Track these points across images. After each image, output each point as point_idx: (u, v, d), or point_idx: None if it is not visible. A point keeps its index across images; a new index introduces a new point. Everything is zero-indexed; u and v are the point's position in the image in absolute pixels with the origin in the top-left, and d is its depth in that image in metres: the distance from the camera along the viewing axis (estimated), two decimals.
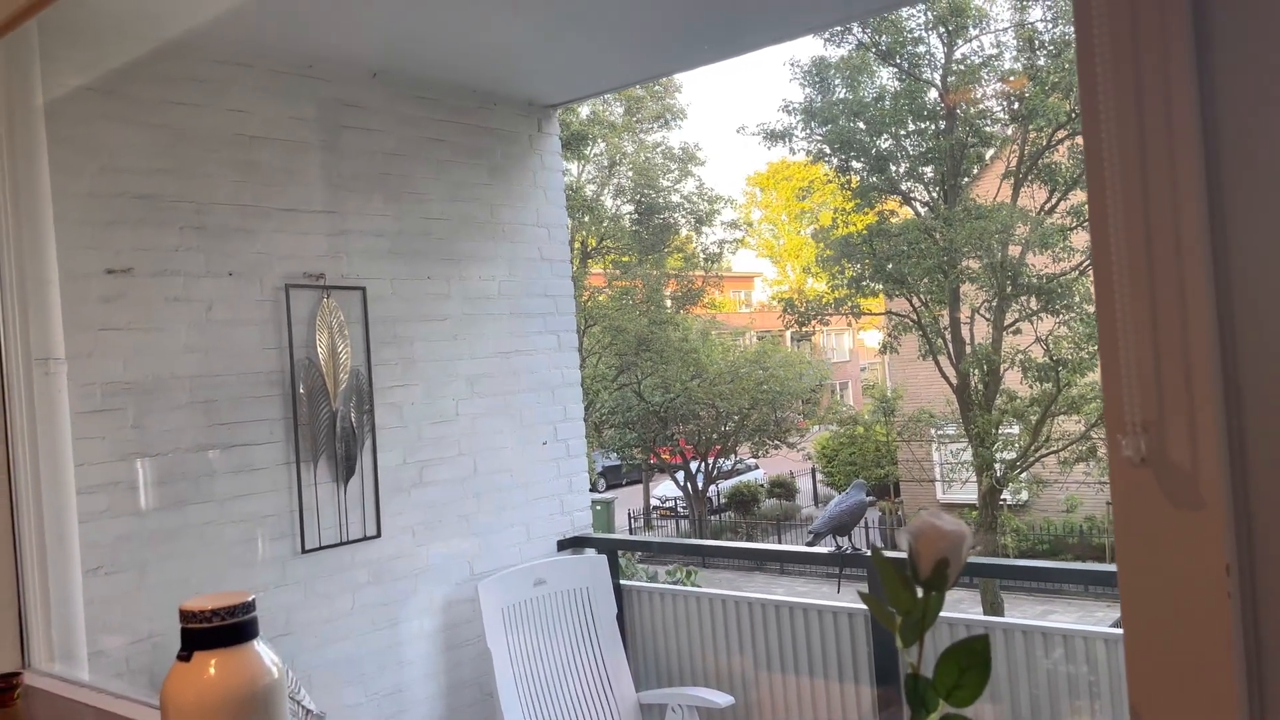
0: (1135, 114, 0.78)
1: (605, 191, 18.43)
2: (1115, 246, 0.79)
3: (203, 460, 3.05)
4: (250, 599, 1.31)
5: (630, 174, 18.48)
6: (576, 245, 17.08)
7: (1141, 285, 0.78)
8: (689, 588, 5.21)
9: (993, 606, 12.50)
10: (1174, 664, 0.78)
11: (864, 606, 3.47)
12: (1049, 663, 3.05)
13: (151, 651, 2.82)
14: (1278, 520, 0.76)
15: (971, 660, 0.80)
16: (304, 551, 3.29)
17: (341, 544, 3.39)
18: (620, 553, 4.37)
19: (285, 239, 3.33)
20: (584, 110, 16.82)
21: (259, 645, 1.32)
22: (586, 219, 17.61)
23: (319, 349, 3.36)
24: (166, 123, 3.06)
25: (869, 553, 3.66)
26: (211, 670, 1.27)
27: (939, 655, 0.81)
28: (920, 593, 0.80)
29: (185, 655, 1.26)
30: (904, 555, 0.83)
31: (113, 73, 2.91)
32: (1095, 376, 13.35)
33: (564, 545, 4.13)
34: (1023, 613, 12.40)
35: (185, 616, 1.26)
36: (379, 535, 3.49)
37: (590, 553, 4.12)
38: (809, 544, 3.77)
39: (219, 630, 1.28)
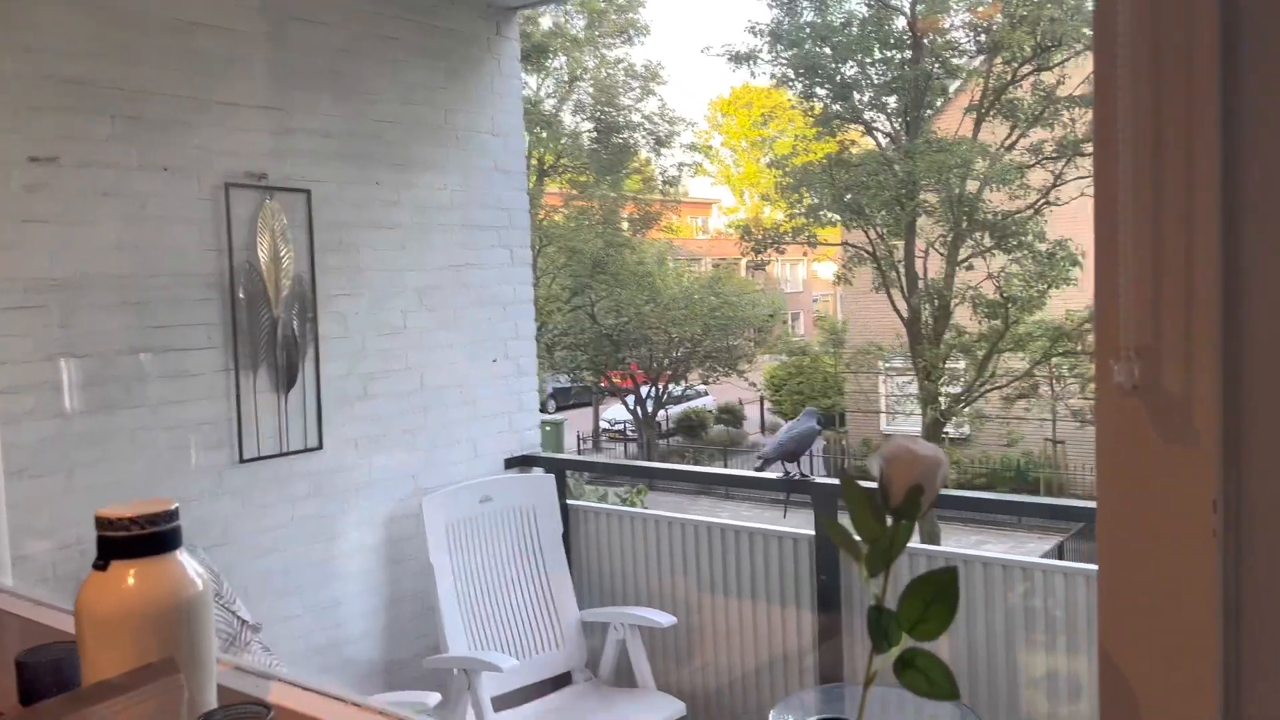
0: (1152, 22, 0.71)
1: (564, 108, 18.05)
2: (1122, 156, 0.72)
3: (134, 363, 2.92)
4: (173, 507, 1.23)
5: (590, 90, 18.09)
6: (533, 162, 16.74)
7: (1146, 197, 0.72)
8: (635, 509, 5.20)
9: (930, 535, 12.81)
10: (1150, 603, 0.74)
11: (810, 532, 3.49)
12: (1015, 598, 3.09)
13: (79, 558, 2.73)
14: (1267, 456, 0.72)
15: (938, 593, 0.76)
16: (242, 461, 3.19)
17: (281, 454, 3.30)
18: (568, 473, 4.34)
19: (226, 135, 3.16)
20: (545, 21, 16.35)
21: (182, 556, 1.25)
22: (544, 135, 17.25)
23: (260, 252, 3.22)
24: (99, 2, 2.85)
25: (818, 479, 3.66)
26: (130, 580, 1.19)
27: (904, 587, 0.76)
28: (890, 521, 0.75)
29: (102, 564, 1.18)
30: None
31: None
32: (1042, 315, 13.53)
33: (511, 464, 4.08)
34: (958, 542, 12.73)
35: (102, 524, 1.18)
36: (320, 447, 3.40)
37: (538, 472, 4.08)
38: (758, 469, 3.76)
39: (139, 539, 1.20)
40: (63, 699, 0.96)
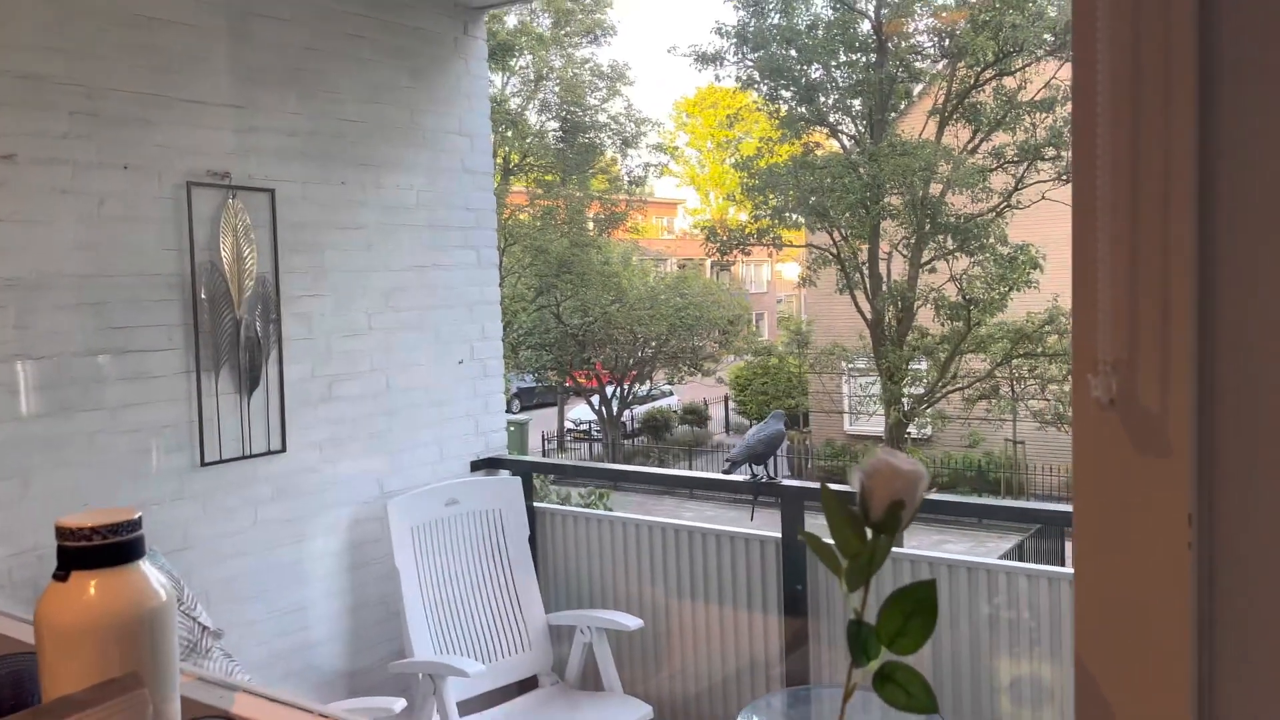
0: (1131, 39, 0.72)
1: (530, 106, 17.99)
2: (1100, 175, 0.72)
3: (92, 365, 2.86)
4: (136, 516, 1.20)
5: (557, 90, 18.04)
6: (499, 161, 16.67)
7: (1123, 215, 0.72)
8: (602, 511, 5.19)
9: None
10: (1126, 614, 0.75)
11: (776, 535, 3.50)
12: (990, 608, 3.12)
13: (36, 564, 2.67)
14: (1241, 470, 0.73)
15: (917, 607, 0.76)
16: (203, 464, 3.14)
17: (244, 458, 3.25)
18: (534, 475, 4.32)
19: (188, 132, 3.10)
20: (510, 20, 16.28)
21: (145, 566, 1.22)
22: (510, 134, 17.19)
23: (223, 252, 3.17)
24: None
25: (785, 482, 3.67)
26: (91, 592, 1.16)
27: (882, 601, 0.76)
28: (870, 535, 0.75)
29: (62, 575, 1.15)
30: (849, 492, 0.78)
31: None
32: (1004, 317, 13.70)
33: (478, 466, 4.06)
34: (919, 541, 12.85)
35: (62, 534, 1.15)
36: (284, 450, 3.36)
37: (504, 474, 4.06)
38: (725, 471, 3.77)
39: (100, 549, 1.17)
40: (25, 715, 0.94)
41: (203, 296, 3.12)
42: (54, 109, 2.78)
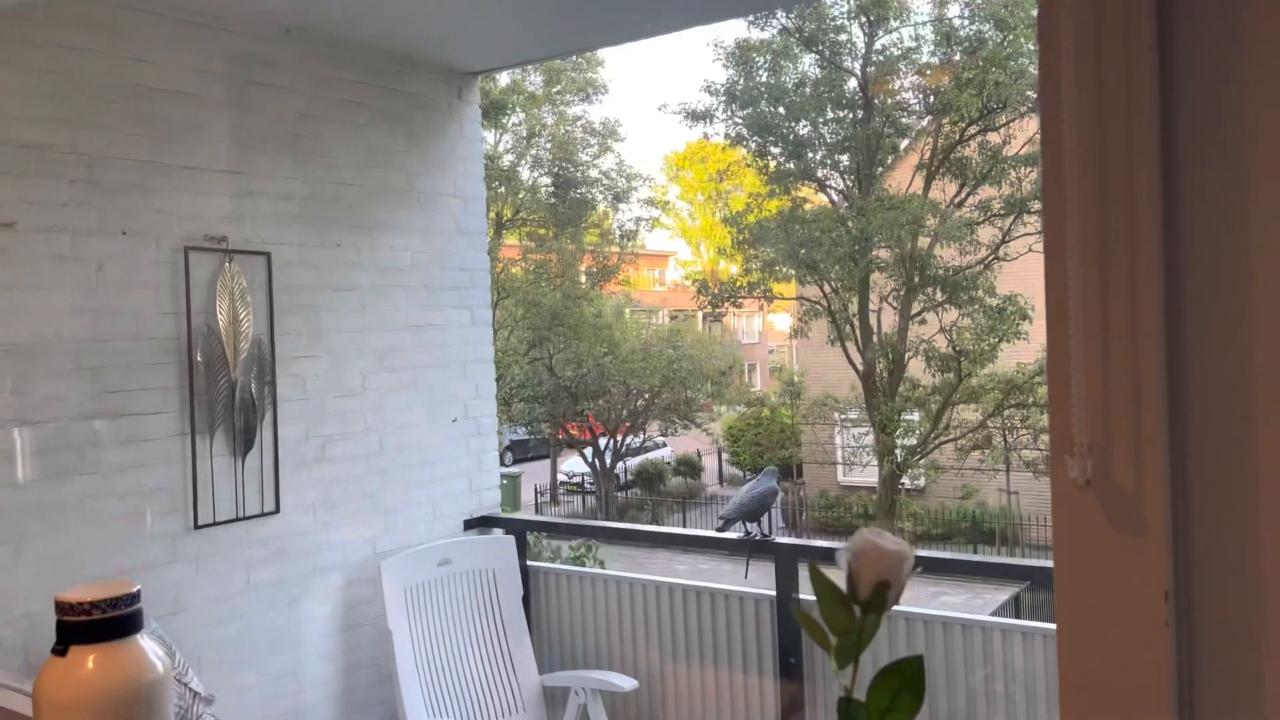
0: (1096, 131, 0.76)
1: (523, 162, 18.19)
2: (1072, 269, 0.76)
3: (88, 429, 2.87)
4: (135, 589, 1.22)
5: (549, 146, 18.27)
6: (491, 215, 16.81)
7: (1095, 307, 0.76)
8: (596, 570, 5.18)
9: None
10: (1109, 690, 0.77)
11: (771, 593, 3.49)
12: (944, 648, 3.11)
13: (27, 631, 2.65)
14: (1215, 547, 0.75)
15: (905, 683, 0.78)
16: (197, 527, 3.14)
17: (237, 520, 3.25)
18: (528, 533, 4.31)
19: (186, 198, 3.15)
20: (503, 78, 16.54)
21: (143, 639, 1.23)
22: (502, 189, 17.35)
23: (219, 315, 3.20)
24: (59, 68, 2.85)
25: (778, 539, 3.68)
26: (90, 666, 1.17)
27: (873, 677, 0.78)
28: (858, 613, 0.77)
29: (61, 650, 1.17)
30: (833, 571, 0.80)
31: (0, 12, 2.69)
32: (994, 368, 13.77)
33: (471, 525, 4.05)
34: (916, 593, 12.77)
35: (62, 608, 1.16)
36: (277, 511, 3.36)
37: (498, 533, 4.05)
38: (719, 529, 3.77)
39: (99, 624, 1.19)
40: None
41: (198, 359, 3.15)
42: (56, 177, 2.83)
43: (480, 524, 4.08)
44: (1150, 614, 0.75)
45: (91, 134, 2.91)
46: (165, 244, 3.09)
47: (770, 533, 3.76)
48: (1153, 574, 0.75)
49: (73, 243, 2.86)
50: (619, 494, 19.90)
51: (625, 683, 3.54)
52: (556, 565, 4.55)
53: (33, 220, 2.78)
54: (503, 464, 18.24)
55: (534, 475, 20.36)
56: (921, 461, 14.89)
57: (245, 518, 3.27)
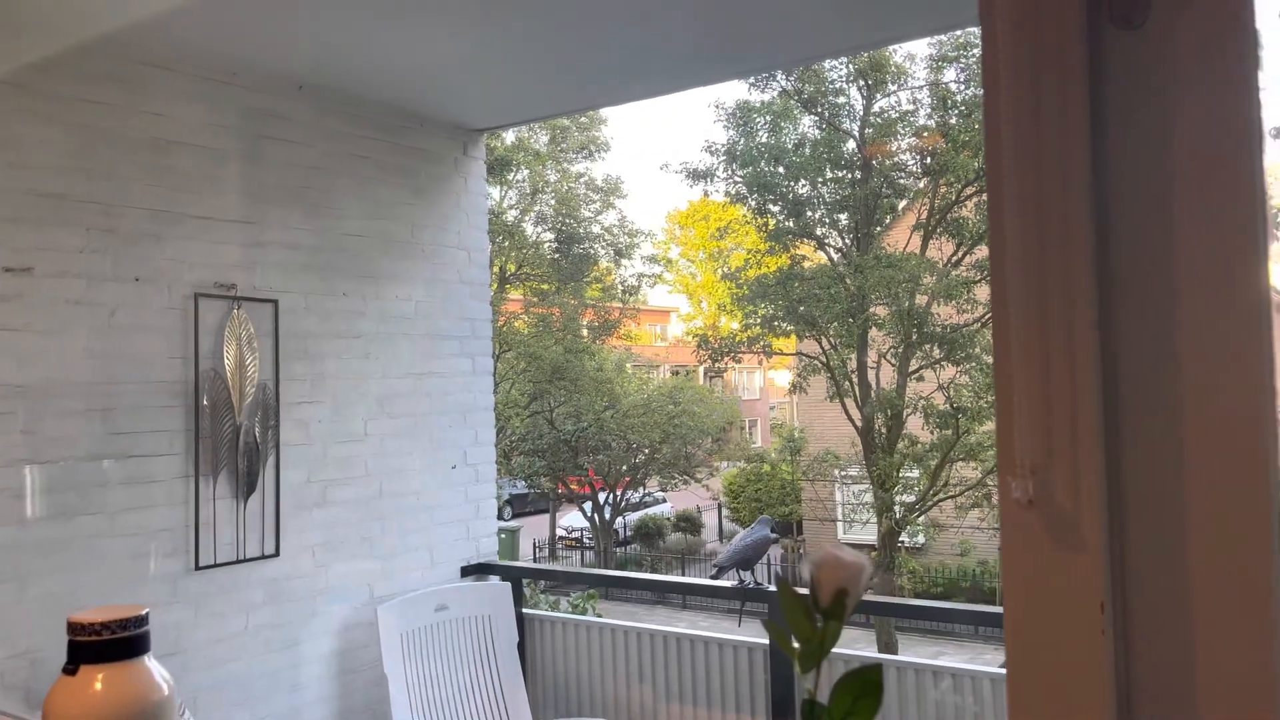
0: (1034, 174, 0.84)
1: (526, 218, 18.42)
2: (1013, 305, 0.84)
3: (96, 470, 2.94)
4: (143, 612, 1.28)
5: (552, 202, 18.53)
6: (495, 270, 17.00)
7: (1034, 339, 0.83)
8: (591, 618, 5.19)
9: (887, 646, 12.74)
10: (1051, 698, 0.83)
11: (764, 641, 3.52)
12: (937, 694, 3.13)
13: (29, 667, 2.69)
14: (1148, 561, 0.82)
15: (865, 688, 0.84)
16: (198, 568, 3.19)
17: (238, 562, 3.30)
18: (525, 581, 4.34)
19: (197, 247, 3.25)
20: (508, 136, 16.83)
21: (149, 661, 1.29)
22: (506, 244, 17.56)
23: (226, 360, 3.29)
24: (80, 121, 2.97)
25: (772, 588, 3.71)
26: (98, 685, 1.23)
27: (835, 683, 0.85)
28: (820, 621, 0.84)
29: (71, 669, 1.23)
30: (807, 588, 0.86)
31: (27, 67, 2.82)
32: (993, 425, 13.79)
33: (468, 571, 4.09)
34: (916, 653, 12.67)
35: (74, 629, 1.22)
36: (277, 554, 3.41)
37: (494, 580, 4.09)
38: (713, 577, 3.80)
39: (109, 644, 1.25)
40: None
41: (205, 403, 3.22)
42: (73, 225, 2.94)
43: (477, 570, 4.11)
44: (1088, 623, 0.81)
45: (109, 184, 3.03)
46: (176, 290, 3.18)
47: (764, 583, 3.79)
48: (1090, 586, 0.81)
49: (87, 288, 2.96)
50: (618, 549, 19.80)
51: None
52: (552, 613, 4.57)
53: (49, 266, 2.87)
54: (502, 518, 18.20)
55: (533, 530, 20.29)
56: (920, 519, 14.85)
57: (246, 560, 3.32)
